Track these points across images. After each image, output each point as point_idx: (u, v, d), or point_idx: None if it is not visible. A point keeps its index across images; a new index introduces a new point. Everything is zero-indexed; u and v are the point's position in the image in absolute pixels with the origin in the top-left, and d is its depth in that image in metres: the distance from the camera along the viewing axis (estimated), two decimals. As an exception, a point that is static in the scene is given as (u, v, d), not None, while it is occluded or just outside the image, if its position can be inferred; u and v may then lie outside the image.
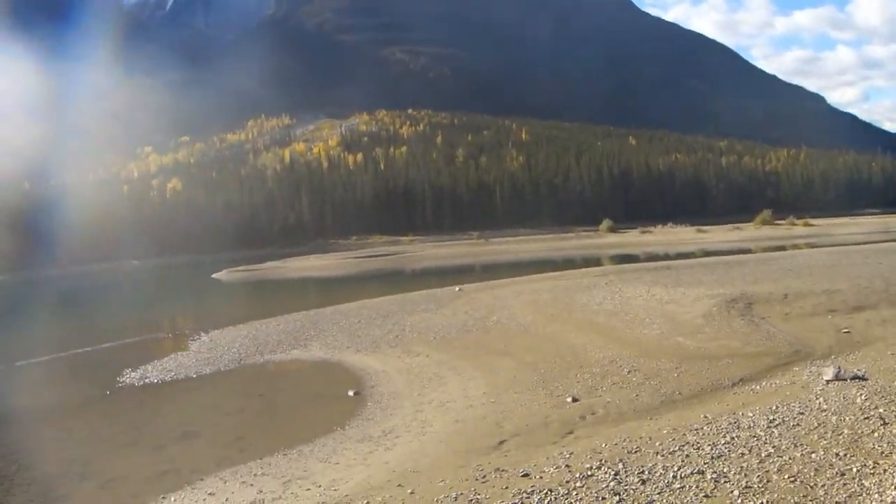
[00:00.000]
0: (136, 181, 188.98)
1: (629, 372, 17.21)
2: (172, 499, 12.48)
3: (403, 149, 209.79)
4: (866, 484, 8.74)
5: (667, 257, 61.69)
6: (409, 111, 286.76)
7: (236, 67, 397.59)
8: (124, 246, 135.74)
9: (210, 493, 12.52)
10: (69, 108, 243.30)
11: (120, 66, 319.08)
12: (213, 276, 74.50)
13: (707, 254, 61.72)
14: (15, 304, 63.79)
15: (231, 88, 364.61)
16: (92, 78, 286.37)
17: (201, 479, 13.32)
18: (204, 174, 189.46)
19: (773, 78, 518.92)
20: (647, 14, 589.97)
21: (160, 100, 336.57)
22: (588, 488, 9.56)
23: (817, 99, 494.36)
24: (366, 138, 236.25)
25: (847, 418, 11.30)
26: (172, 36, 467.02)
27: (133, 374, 23.38)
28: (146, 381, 22.44)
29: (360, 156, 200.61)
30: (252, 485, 12.73)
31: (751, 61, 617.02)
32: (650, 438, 11.53)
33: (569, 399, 15.56)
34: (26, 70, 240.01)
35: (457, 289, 37.68)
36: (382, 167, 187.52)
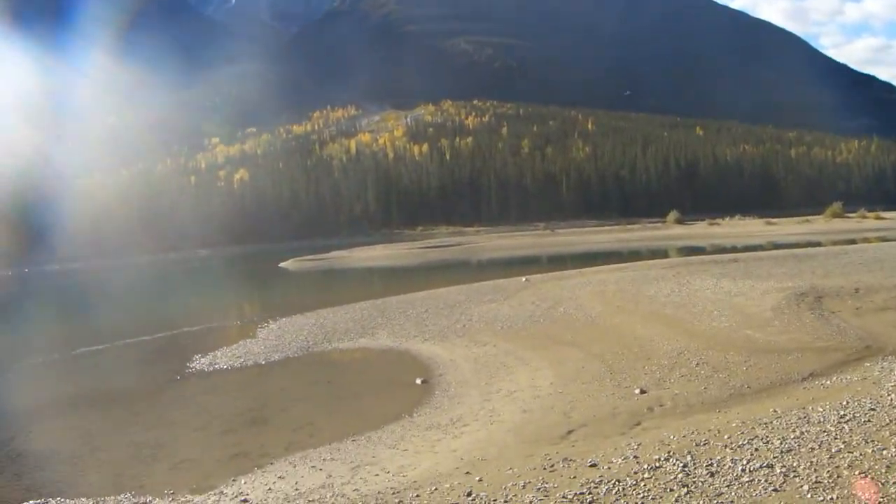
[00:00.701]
0: (203, 172, 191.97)
1: (697, 364, 17.01)
2: (243, 481, 12.68)
3: (469, 139, 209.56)
4: (940, 481, 8.59)
5: (734, 249, 60.57)
6: (475, 102, 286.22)
7: (302, 58, 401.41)
8: (192, 236, 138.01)
9: (280, 477, 12.71)
10: (137, 100, 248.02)
11: (186, 58, 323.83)
12: (280, 265, 75.27)
13: (776, 246, 60.49)
14: (91, 292, 65.33)
15: (296, 79, 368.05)
16: (159, 70, 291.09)
17: (271, 463, 13.53)
18: (270, 165, 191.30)
19: (844, 67, 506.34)
20: (714, 2, 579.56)
21: (226, 91, 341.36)
22: (656, 479, 9.52)
23: (889, 89, 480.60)
24: (431, 129, 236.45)
25: (920, 415, 11.07)
26: (237, 28, 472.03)
27: (203, 359, 23.80)
28: (215, 366, 22.82)
29: (425, 146, 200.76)
30: (321, 469, 12.89)
31: (820, 50, 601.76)
32: (719, 431, 11.40)
33: (636, 390, 15.46)
34: (97, 62, 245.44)
35: (523, 279, 37.56)
36: (448, 158, 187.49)
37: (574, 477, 10.08)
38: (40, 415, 18.61)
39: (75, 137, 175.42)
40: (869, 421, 11.02)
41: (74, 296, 64.29)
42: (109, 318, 40.99)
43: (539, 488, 9.83)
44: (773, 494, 8.68)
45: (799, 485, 8.83)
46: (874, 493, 8.28)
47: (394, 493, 10.80)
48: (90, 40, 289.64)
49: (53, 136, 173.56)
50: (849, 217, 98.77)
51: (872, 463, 9.25)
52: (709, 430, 11.57)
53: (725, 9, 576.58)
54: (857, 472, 9.00)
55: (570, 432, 13.25)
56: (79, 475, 13.87)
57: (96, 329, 35.44)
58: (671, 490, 9.13)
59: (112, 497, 12.46)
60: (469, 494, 10.11)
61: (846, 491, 8.52)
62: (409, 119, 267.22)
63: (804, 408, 12.37)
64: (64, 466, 14.37)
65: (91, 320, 41.09)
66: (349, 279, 60.14)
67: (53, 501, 12.44)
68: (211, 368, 22.59)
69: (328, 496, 11.43)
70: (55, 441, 16.05)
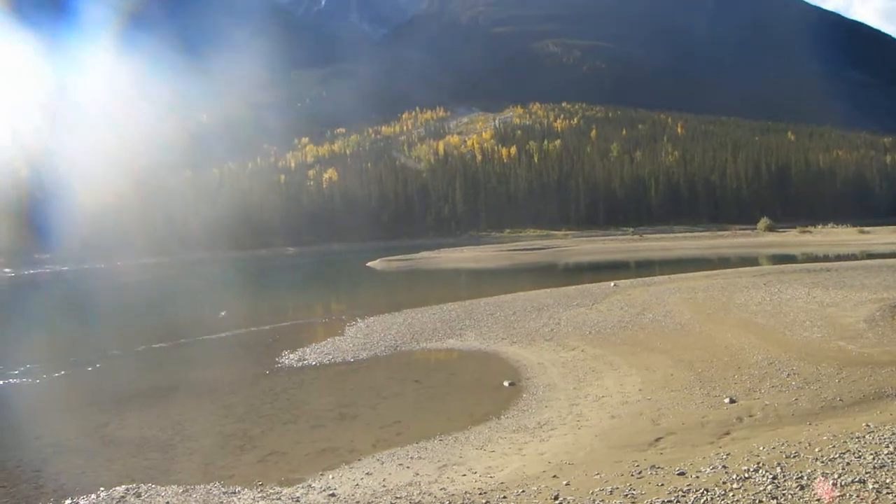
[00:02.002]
0: (292, 171, 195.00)
1: (788, 375, 16.52)
2: (331, 476, 12.69)
3: (557, 142, 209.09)
4: None
5: (826, 258, 59.27)
6: (563, 104, 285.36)
7: (390, 60, 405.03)
8: (281, 234, 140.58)
9: (367, 473, 12.67)
10: (229, 99, 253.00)
11: (277, 58, 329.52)
12: (368, 264, 76.01)
13: (870, 256, 58.78)
14: (185, 286, 66.91)
15: (386, 81, 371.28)
16: (251, 70, 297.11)
17: (359, 459, 13.53)
18: (359, 165, 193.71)
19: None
20: (807, 3, 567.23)
21: (316, 92, 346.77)
22: (745, 490, 9.33)
23: None
24: (519, 131, 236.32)
25: None
26: (327, 31, 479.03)
27: (292, 355, 24.03)
28: (304, 362, 22.99)
29: (513, 149, 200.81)
30: (408, 467, 12.84)
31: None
32: (809, 444, 11.07)
33: (726, 400, 15.09)
34: (183, 63, 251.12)
35: (612, 284, 37.30)
36: (536, 160, 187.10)
37: (662, 485, 9.96)
38: (134, 403, 18.99)
39: (169, 134, 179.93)
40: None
41: (170, 288, 65.81)
42: (202, 311, 41.95)
43: (626, 494, 9.74)
44: (866, 511, 8.37)
45: (892, 501, 8.52)
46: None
47: (480, 494, 10.75)
48: (181, 42, 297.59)
49: (145, 132, 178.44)
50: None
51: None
52: (799, 443, 11.29)
53: (818, 10, 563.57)
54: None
55: (658, 440, 13.02)
56: (169, 463, 14.06)
57: (189, 322, 36.46)
58: (760, 502, 8.95)
59: (202, 486, 12.57)
60: (556, 498, 10.02)
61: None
62: (497, 121, 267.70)
63: (898, 423, 11.93)
64: (155, 454, 14.58)
65: (185, 313, 42.13)
66: (436, 280, 60.19)
67: (144, 487, 12.60)
68: (300, 364, 22.78)
69: (415, 494, 11.37)
70: (147, 429, 16.32)
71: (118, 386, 21.68)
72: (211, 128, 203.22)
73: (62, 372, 23.76)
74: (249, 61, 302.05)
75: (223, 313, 38.40)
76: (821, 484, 8.88)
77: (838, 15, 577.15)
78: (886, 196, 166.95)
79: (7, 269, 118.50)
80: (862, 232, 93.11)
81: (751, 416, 14.03)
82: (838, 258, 58.57)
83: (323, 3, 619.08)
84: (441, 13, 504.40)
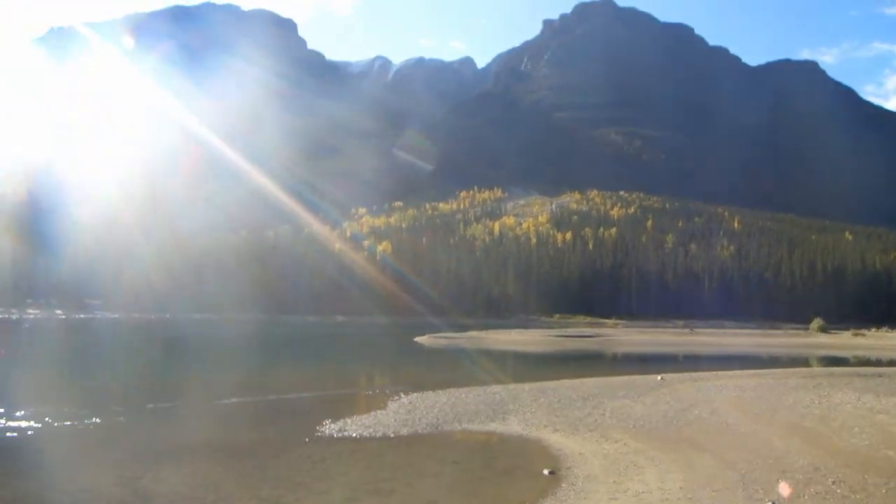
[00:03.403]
0: (347, 240, 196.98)
1: (833, 482, 16.09)
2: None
3: (613, 230, 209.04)
4: None
5: (879, 363, 58.25)
6: (621, 193, 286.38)
7: (452, 138, 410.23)
8: (331, 301, 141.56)
9: (399, 551, 12.58)
10: (290, 165, 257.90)
11: (341, 127, 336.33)
12: (416, 339, 76.06)
13: (925, 363, 57.87)
14: (236, 346, 67.50)
15: (446, 158, 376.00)
16: (315, 137, 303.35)
17: (391, 536, 13.42)
18: (414, 240, 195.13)
19: None
20: (869, 103, 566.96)
21: (376, 164, 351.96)
22: None
23: None
24: (575, 217, 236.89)
25: None
26: (392, 105, 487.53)
27: (333, 425, 24.00)
28: (344, 433, 22.95)
29: (568, 234, 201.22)
30: (441, 548, 12.70)
31: None
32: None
33: (768, 503, 14.76)
34: (249, 126, 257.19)
35: (658, 378, 36.83)
36: (591, 247, 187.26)
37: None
38: (172, 457, 19.18)
39: (229, 194, 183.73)
40: None
41: (217, 346, 66.51)
42: (249, 374, 42.34)
43: None
44: None
45: None
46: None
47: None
48: (241, 103, 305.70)
49: (205, 190, 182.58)
50: None
51: None
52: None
53: (880, 109, 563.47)
54: None
55: (698, 540, 12.74)
56: (200, 522, 14.07)
57: (236, 382, 36.95)
58: None
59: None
60: None
61: None
62: (554, 206, 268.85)
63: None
64: (188, 512, 14.62)
65: (233, 373, 42.56)
66: (483, 361, 59.87)
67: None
68: (340, 435, 22.75)
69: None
70: (182, 485, 16.43)
71: (159, 439, 21.98)
72: (270, 190, 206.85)
73: (107, 419, 24.11)
74: (315, 127, 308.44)
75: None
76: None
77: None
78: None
79: (59, 311, 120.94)
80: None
81: (793, 521, 13.75)
82: (891, 363, 57.57)
83: (390, 76, 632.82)
84: (504, 94, 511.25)
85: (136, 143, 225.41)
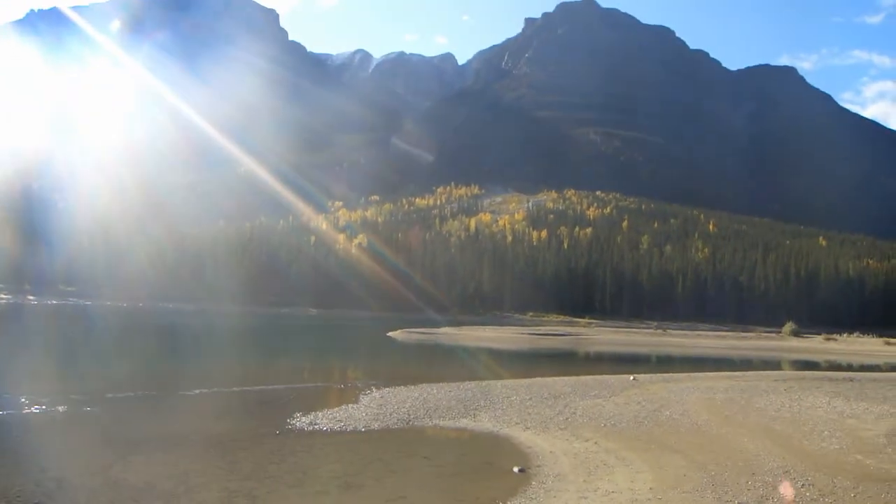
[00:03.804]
0: (323, 233, 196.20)
1: (803, 486, 16.22)
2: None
3: (588, 230, 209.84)
4: None
5: (850, 368, 58.95)
6: (598, 193, 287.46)
7: (431, 133, 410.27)
8: (305, 294, 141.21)
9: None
10: (268, 157, 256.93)
11: (320, 121, 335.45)
12: (389, 334, 75.99)
13: (894, 368, 58.76)
14: (209, 337, 67.18)
15: (424, 153, 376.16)
16: (293, 130, 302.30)
17: (359, 531, 13.41)
18: (389, 234, 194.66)
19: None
20: (846, 110, 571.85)
21: (354, 158, 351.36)
22: None
23: None
24: (552, 216, 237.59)
25: None
26: (372, 99, 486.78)
27: (304, 418, 23.96)
28: (315, 426, 22.90)
29: (544, 232, 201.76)
30: (409, 545, 12.71)
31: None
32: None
33: (737, 505, 14.86)
34: (227, 114, 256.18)
35: (631, 378, 37.00)
36: (566, 246, 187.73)
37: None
38: (142, 447, 19.13)
39: (207, 184, 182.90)
40: None
41: (190, 336, 66.23)
42: (219, 364, 42.30)
43: None
44: None
45: None
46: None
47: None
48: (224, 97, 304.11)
49: (183, 180, 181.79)
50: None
51: None
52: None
53: (857, 117, 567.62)
54: None
55: (665, 541, 12.81)
56: (172, 515, 14.01)
57: (205, 372, 37.06)
58: None
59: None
60: None
61: None
62: (530, 204, 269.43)
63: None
64: (157, 502, 14.57)
65: (201, 362, 42.50)
66: (456, 357, 59.97)
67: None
68: (311, 428, 22.70)
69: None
70: (152, 475, 16.37)
71: (129, 428, 21.94)
72: (248, 182, 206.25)
73: (73, 408, 23.97)
74: (293, 121, 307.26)
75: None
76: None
77: (876, 123, 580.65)
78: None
79: (31, 297, 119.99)
80: (888, 343, 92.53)
81: (761, 524, 13.84)
82: (862, 368, 58.35)
83: (370, 70, 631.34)
84: (484, 91, 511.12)
85: (122, 131, 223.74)
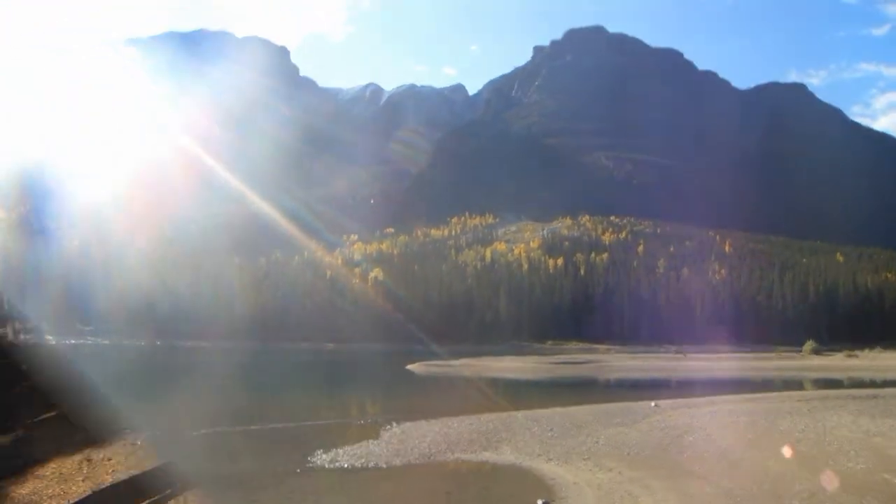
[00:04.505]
0: (339, 267, 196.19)
1: (830, 508, 16.07)
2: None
3: (605, 255, 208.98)
4: None
5: (874, 384, 58.25)
6: (612, 217, 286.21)
7: (443, 164, 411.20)
8: (322, 328, 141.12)
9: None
10: (281, 191, 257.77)
11: (332, 154, 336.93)
12: (408, 367, 75.75)
13: (919, 383, 57.80)
14: (225, 373, 67.21)
15: (437, 184, 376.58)
16: (306, 164, 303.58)
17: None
18: (406, 266, 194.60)
19: None
20: (858, 124, 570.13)
21: (368, 190, 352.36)
22: None
23: None
24: (567, 242, 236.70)
25: None
26: (383, 131, 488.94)
27: (324, 455, 23.93)
28: (336, 464, 22.86)
29: (560, 259, 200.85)
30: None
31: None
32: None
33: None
34: (239, 153, 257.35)
35: (652, 404, 36.69)
36: (583, 272, 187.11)
37: None
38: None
39: (221, 220, 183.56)
40: None
41: (209, 374, 66.25)
42: (240, 401, 42.34)
43: None
44: None
45: None
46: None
47: None
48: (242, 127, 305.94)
49: (198, 216, 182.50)
50: None
51: None
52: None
53: (868, 130, 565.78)
54: None
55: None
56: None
57: (229, 410, 36.94)
58: None
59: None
60: None
61: None
62: (545, 231, 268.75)
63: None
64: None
65: (225, 402, 42.35)
66: (476, 389, 59.70)
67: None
68: (332, 465, 22.65)
69: None
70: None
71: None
72: (262, 217, 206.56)
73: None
74: (306, 154, 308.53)
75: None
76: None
77: (891, 137, 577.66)
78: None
79: (49, 337, 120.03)
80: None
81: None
82: (885, 384, 57.46)
83: (381, 102, 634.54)
84: (495, 120, 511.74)
85: (128, 155, 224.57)
